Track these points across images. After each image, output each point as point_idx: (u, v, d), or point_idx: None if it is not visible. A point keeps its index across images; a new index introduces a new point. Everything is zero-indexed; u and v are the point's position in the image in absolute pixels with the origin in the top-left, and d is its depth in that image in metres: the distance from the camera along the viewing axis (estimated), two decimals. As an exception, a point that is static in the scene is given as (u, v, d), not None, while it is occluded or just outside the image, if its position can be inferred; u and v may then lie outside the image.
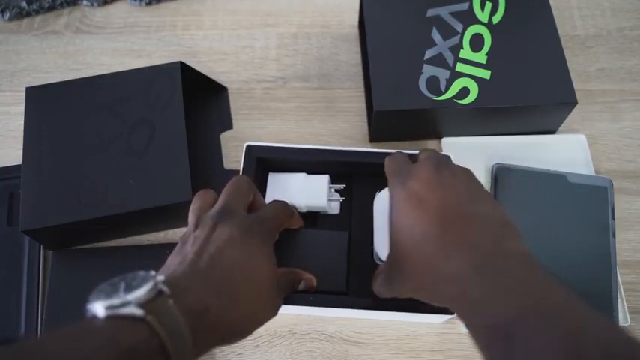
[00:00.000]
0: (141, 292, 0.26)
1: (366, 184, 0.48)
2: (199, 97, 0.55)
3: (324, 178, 0.47)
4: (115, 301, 0.25)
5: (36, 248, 0.48)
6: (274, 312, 0.35)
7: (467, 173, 0.35)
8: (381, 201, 0.46)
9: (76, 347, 0.23)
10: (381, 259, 0.44)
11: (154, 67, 0.50)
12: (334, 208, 0.48)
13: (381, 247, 0.44)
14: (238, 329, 0.32)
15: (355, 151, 0.46)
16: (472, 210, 0.31)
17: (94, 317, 0.25)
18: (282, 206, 0.40)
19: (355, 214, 0.48)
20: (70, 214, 0.44)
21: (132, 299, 0.25)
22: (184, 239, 0.34)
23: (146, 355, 0.24)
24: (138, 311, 0.25)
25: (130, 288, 0.26)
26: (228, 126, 0.55)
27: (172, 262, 0.32)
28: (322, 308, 0.41)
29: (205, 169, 0.52)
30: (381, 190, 0.47)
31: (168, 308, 0.26)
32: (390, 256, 0.35)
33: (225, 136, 0.54)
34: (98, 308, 0.25)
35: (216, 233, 0.33)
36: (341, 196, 0.48)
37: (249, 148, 0.46)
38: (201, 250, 0.32)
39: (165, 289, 0.27)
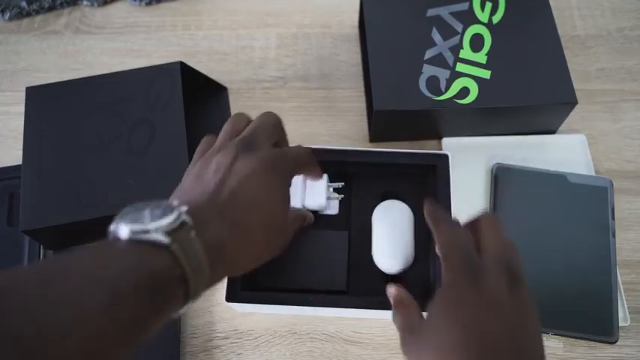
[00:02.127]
0: (166, 221, 0.26)
1: (365, 184, 0.48)
2: (199, 97, 0.55)
3: (322, 177, 0.47)
4: (141, 226, 0.25)
5: (36, 248, 0.48)
6: (280, 251, 0.34)
7: (532, 302, 0.31)
8: (380, 212, 0.46)
9: (102, 266, 0.23)
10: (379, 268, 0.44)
11: (154, 67, 0.50)
12: (333, 207, 0.47)
13: (380, 257, 0.44)
14: (244, 265, 0.32)
15: (354, 150, 0.46)
16: (523, 347, 0.29)
17: (118, 239, 0.25)
18: (307, 151, 0.38)
19: (355, 214, 0.48)
20: (70, 214, 0.44)
21: (157, 227, 0.25)
22: (206, 160, 0.33)
23: (167, 282, 0.25)
24: (164, 239, 0.25)
25: (154, 216, 0.26)
26: (228, 126, 0.55)
27: (192, 189, 0.32)
28: (322, 308, 0.41)
29: (205, 169, 0.52)
30: (381, 200, 0.47)
31: (191, 240, 0.26)
32: (427, 330, 0.31)
33: (225, 136, 0.54)
34: (123, 230, 0.25)
35: (238, 164, 0.32)
36: (339, 194, 0.48)
37: None
38: (222, 182, 0.31)
39: (188, 220, 0.27)
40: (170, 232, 0.25)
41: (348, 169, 0.48)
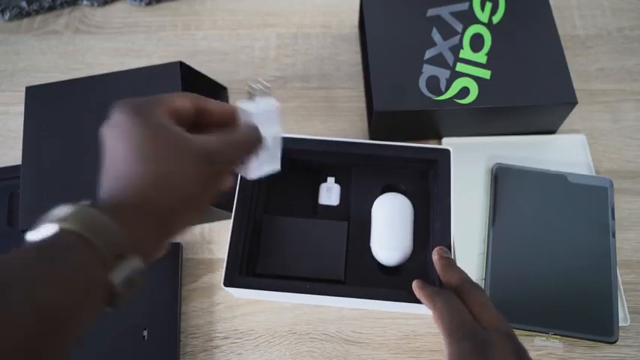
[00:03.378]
0: None
1: (366, 176, 0.49)
2: (199, 97, 0.55)
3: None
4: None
5: (36, 248, 0.48)
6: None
7: None
8: (380, 204, 0.46)
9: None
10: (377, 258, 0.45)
11: (154, 67, 0.50)
12: (334, 197, 0.48)
13: (378, 249, 0.44)
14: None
15: (357, 142, 0.46)
16: None
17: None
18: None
19: (355, 205, 0.48)
20: (69, 214, 0.44)
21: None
22: None
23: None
24: None
25: None
26: (228, 126, 0.55)
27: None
28: (319, 297, 0.41)
29: (205, 169, 0.52)
30: (381, 193, 0.47)
31: None
32: None
33: (225, 136, 0.54)
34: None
35: None
36: (340, 190, 0.48)
37: None
38: None
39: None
40: None
41: (348, 161, 0.48)
